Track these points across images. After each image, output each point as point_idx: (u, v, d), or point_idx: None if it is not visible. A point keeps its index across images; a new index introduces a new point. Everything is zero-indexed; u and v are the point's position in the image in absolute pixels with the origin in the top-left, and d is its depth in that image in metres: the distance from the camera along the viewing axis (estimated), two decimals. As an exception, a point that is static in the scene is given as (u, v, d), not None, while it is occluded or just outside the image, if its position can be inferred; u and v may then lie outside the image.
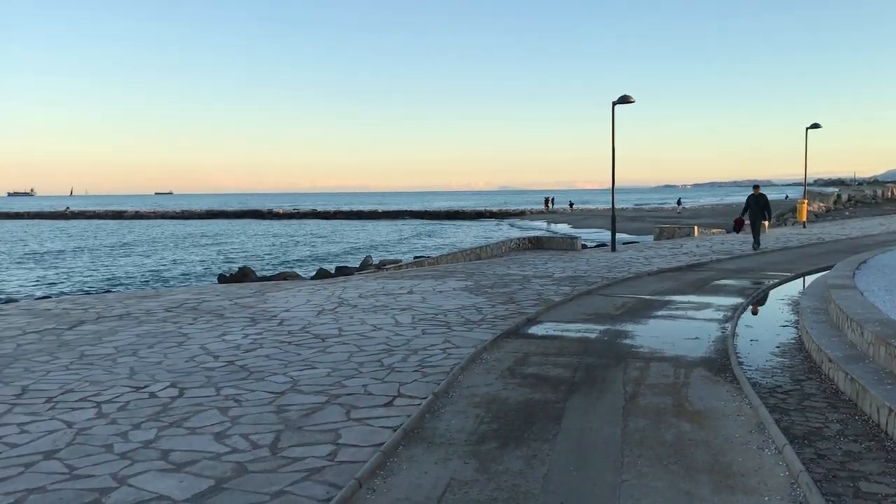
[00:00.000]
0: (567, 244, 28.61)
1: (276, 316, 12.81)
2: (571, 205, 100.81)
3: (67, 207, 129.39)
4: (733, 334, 10.67)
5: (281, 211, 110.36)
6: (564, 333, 11.06)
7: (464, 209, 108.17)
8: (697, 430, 6.57)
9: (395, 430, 6.48)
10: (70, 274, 38.05)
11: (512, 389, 7.99)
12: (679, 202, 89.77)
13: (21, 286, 33.23)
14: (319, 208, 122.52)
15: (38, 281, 35.20)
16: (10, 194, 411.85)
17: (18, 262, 44.51)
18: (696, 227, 34.92)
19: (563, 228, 62.07)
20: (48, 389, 8.21)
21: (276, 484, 5.42)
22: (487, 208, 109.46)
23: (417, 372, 8.61)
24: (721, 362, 9.07)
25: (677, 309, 13.15)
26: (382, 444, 6.14)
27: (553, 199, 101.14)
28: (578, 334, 10.97)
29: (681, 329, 11.28)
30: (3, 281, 35.41)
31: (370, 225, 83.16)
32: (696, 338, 10.57)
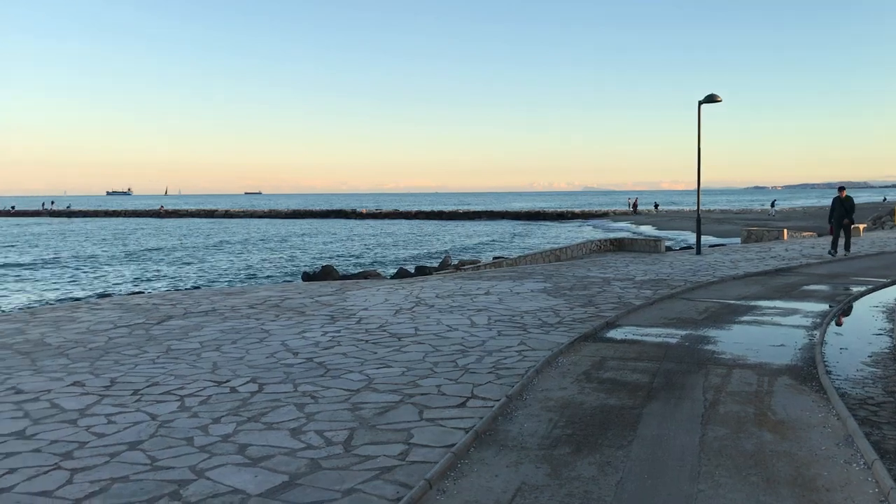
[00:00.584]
0: (650, 246, 28.08)
1: (354, 314, 12.98)
2: (656, 206, 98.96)
3: (162, 206, 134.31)
4: (821, 342, 10.25)
5: (364, 211, 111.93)
6: (644, 338, 10.84)
7: (545, 210, 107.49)
8: (780, 441, 6.33)
9: (467, 432, 6.46)
10: (163, 270, 39.47)
11: (587, 394, 7.87)
12: (773, 204, 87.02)
13: (116, 282, 34.65)
14: (401, 208, 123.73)
15: (131, 277, 36.63)
16: (108, 193, 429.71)
17: (117, 259, 46.43)
18: (784, 231, 33.77)
19: (647, 230, 60.97)
20: (135, 382, 8.52)
21: (348, 482, 5.47)
22: (569, 209, 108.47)
23: (492, 374, 8.58)
24: (807, 371, 8.73)
25: (763, 314, 12.73)
26: (454, 445, 6.13)
27: (633, 201, 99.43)
28: (658, 339, 10.73)
29: (766, 335, 10.91)
30: (101, 276, 36.99)
31: (451, 225, 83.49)
32: (782, 345, 10.20)
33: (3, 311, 20.01)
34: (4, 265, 42.21)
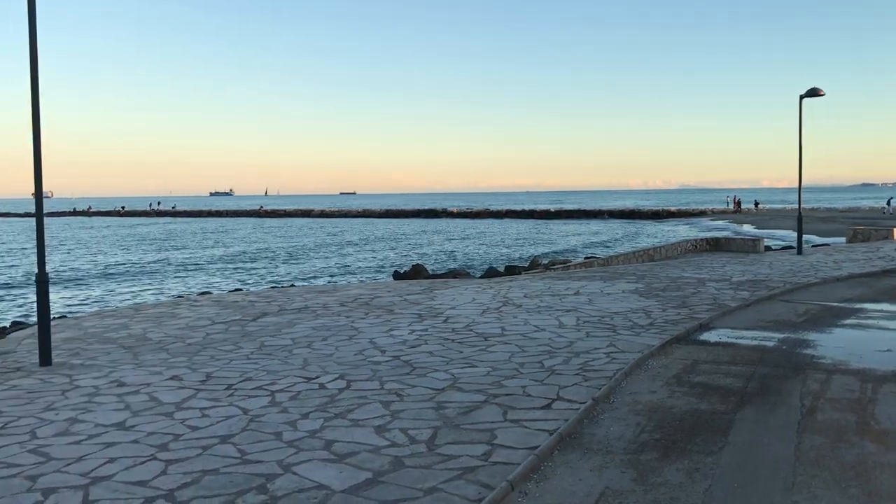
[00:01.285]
0: (749, 246, 27.18)
1: (442, 313, 13.04)
2: (756, 204, 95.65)
3: (261, 206, 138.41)
4: (933, 348, 9.69)
5: (455, 210, 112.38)
6: (739, 341, 10.49)
7: (640, 208, 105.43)
8: (884, 453, 6.01)
9: (551, 434, 6.39)
10: (260, 268, 40.64)
11: (677, 398, 7.66)
12: (889, 203, 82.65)
13: (216, 280, 35.90)
14: (493, 207, 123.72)
15: (230, 275, 37.88)
16: (212, 194, 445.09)
17: (217, 257, 48.09)
18: (894, 230, 32.08)
19: (746, 229, 59.02)
20: (229, 377, 8.80)
21: (430, 480, 5.49)
22: (665, 207, 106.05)
23: (578, 375, 8.46)
24: (916, 379, 8.26)
25: (867, 318, 12.13)
26: (537, 447, 6.07)
27: (735, 198, 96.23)
28: (754, 342, 10.37)
29: (870, 339, 10.39)
30: (202, 274, 38.39)
31: (542, 224, 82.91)
32: (889, 350, 9.70)
33: (111, 308, 20.99)
34: (115, 263, 44.33)
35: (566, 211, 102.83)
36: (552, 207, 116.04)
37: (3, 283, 34.73)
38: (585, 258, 30.49)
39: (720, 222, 72.05)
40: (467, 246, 54.50)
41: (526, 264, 30.81)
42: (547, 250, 46.41)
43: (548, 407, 7.28)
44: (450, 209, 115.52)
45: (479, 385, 8.13)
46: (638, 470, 5.71)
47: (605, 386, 7.90)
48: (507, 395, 7.73)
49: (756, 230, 56.53)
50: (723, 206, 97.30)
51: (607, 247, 49.76)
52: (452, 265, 37.64)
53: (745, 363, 9.11)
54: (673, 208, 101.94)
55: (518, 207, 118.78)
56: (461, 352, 9.86)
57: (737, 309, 13.11)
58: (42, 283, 9.90)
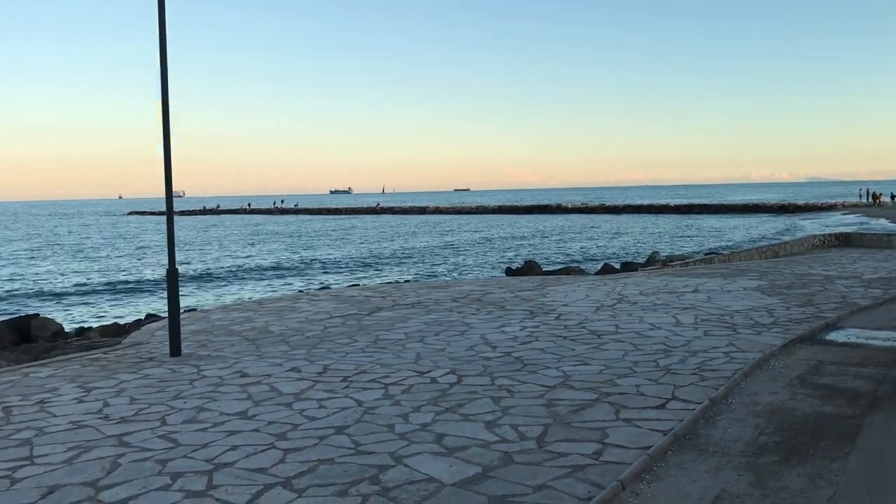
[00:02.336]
0: (882, 241, 25.69)
1: (554, 310, 12.94)
2: (893, 197, 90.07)
3: (378, 203, 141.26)
4: None
5: (569, 206, 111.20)
6: (869, 341, 9.93)
7: (764, 202, 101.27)
8: None
9: (665, 434, 6.25)
10: (376, 263, 41.50)
11: (800, 400, 7.33)
12: None
13: (335, 274, 36.91)
14: (609, 202, 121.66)
15: (348, 270, 38.86)
16: (331, 192, 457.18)
17: (336, 252, 49.44)
18: None
19: (881, 224, 55.70)
20: (345, 369, 9.04)
21: (540, 477, 5.47)
22: (791, 201, 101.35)
23: (695, 375, 8.22)
24: None
25: None
26: (650, 447, 5.95)
27: (869, 191, 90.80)
28: (887, 343, 9.79)
29: None
30: (322, 269, 39.55)
31: (660, 219, 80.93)
32: None
33: (236, 301, 21.95)
34: (242, 259, 46.31)
35: (686, 206, 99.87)
36: (671, 202, 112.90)
37: (145, 278, 36.88)
38: (705, 254, 29.57)
39: (852, 216, 68.26)
40: (582, 242, 53.86)
41: (643, 261, 30.17)
42: (665, 246, 45.26)
43: (662, 407, 7.12)
44: (564, 204, 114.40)
45: (591, 383, 8.04)
46: (756, 473, 5.51)
47: (723, 386, 7.65)
48: (619, 393, 7.61)
49: (892, 224, 53.25)
50: (855, 199, 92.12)
51: (728, 242, 48.07)
52: (566, 261, 37.29)
53: (876, 365, 8.62)
54: (800, 202, 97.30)
55: (635, 202, 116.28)
56: (573, 349, 9.77)
57: (868, 308, 12.41)
58: (172, 277, 10.46)
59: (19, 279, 37.80)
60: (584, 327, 11.26)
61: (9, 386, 8.80)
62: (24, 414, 7.57)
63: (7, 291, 32.97)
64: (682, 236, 56.43)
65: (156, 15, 10.25)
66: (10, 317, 19.14)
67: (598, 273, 24.59)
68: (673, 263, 23.07)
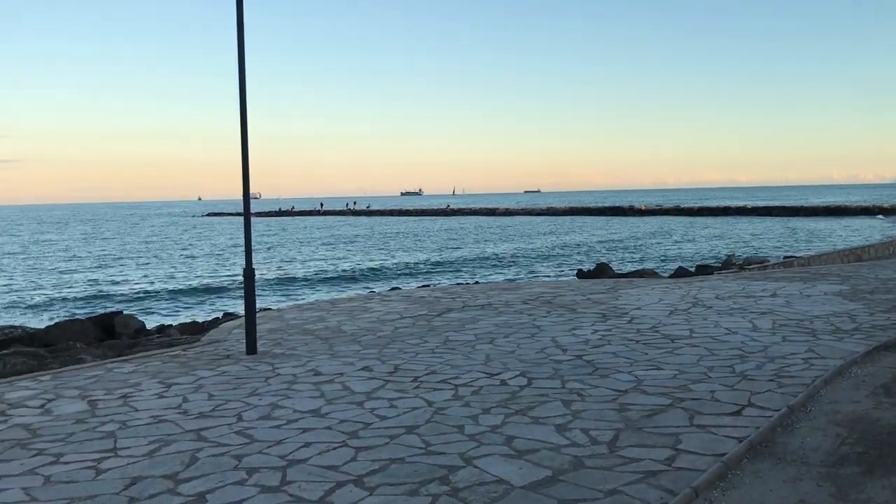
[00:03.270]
0: (975, 246, 24.52)
1: (626, 313, 12.77)
2: None
3: (448, 205, 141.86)
4: None
5: (643, 207, 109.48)
6: (960, 350, 9.48)
7: (846, 204, 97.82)
8: None
9: (740, 442, 6.10)
10: (445, 264, 41.68)
11: (885, 409, 7.06)
12: None
13: (405, 275, 37.22)
14: (683, 204, 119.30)
15: (418, 270, 39.12)
16: (402, 194, 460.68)
17: (404, 253, 49.87)
18: None
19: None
20: (416, 370, 9.11)
21: (611, 482, 5.42)
22: (876, 203, 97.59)
23: (772, 381, 8.00)
24: None
25: None
26: (725, 454, 5.82)
27: None
28: (979, 352, 9.34)
29: None
30: (392, 270, 39.93)
31: (737, 222, 78.99)
32: None
33: (310, 301, 22.33)
34: (315, 259, 47.12)
35: (764, 207, 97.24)
36: (748, 204, 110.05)
37: (222, 278, 37.88)
38: (784, 257, 28.76)
39: (942, 219, 65.32)
40: (655, 244, 53.00)
41: (718, 263, 29.52)
42: (741, 249, 44.17)
43: (738, 413, 6.96)
44: (637, 206, 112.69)
45: (664, 388, 7.91)
46: (837, 484, 5.33)
47: (802, 394, 7.43)
48: (693, 399, 7.46)
49: None
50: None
51: (808, 244, 46.62)
52: (639, 264, 36.76)
53: (968, 375, 8.23)
54: (886, 204, 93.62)
55: (711, 204, 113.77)
56: (646, 353, 9.63)
57: (959, 315, 11.86)
58: (249, 277, 10.72)
59: (104, 277, 39.27)
60: (657, 331, 11.08)
61: (94, 380, 9.17)
62: (109, 407, 7.87)
63: (93, 289, 34.31)
64: (759, 239, 54.97)
65: (233, 19, 10.53)
66: (95, 314, 19.92)
67: (671, 276, 24.17)
68: (750, 267, 22.50)
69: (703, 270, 25.91)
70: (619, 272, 28.03)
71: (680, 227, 71.81)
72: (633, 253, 46.38)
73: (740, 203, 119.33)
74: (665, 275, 26.24)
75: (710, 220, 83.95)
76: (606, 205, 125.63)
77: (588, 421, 6.88)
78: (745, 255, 35.88)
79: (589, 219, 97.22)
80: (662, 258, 42.32)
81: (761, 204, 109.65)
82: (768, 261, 26.79)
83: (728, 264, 27.10)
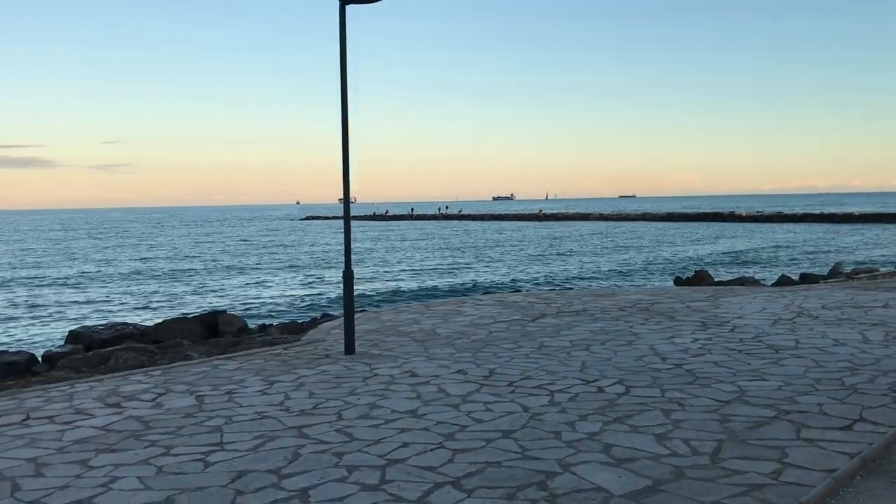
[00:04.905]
0: None
1: (728, 322, 12.42)
2: None
3: (541, 210, 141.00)
4: None
5: (744, 213, 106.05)
6: None
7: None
8: None
9: (852, 458, 5.85)
10: (539, 269, 41.45)
11: None
12: None
13: (496, 279, 37.22)
14: (785, 210, 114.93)
15: (509, 275, 39.05)
16: (494, 198, 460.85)
17: (496, 258, 49.85)
18: None
19: None
20: (511, 374, 9.11)
21: (713, 494, 5.28)
22: None
23: (886, 396, 7.64)
24: None
25: None
26: (835, 470, 5.59)
27: None
28: None
29: None
30: (483, 274, 40.00)
31: (844, 228, 75.58)
32: None
33: (405, 303, 22.62)
34: (409, 261, 47.69)
35: (873, 214, 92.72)
36: (857, 211, 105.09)
37: (320, 279, 38.80)
38: (896, 267, 27.35)
39: None
40: (756, 251, 51.29)
41: (824, 272, 28.36)
42: (848, 257, 42.27)
43: (848, 428, 6.67)
44: (738, 212, 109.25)
45: (768, 399, 7.65)
46: (960, 507, 5.05)
47: (920, 410, 7.06)
48: (800, 412, 7.19)
49: None
50: None
51: (924, 255, 44.20)
52: (739, 272, 35.65)
53: None
54: None
55: (816, 210, 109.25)
56: (749, 363, 9.33)
57: None
58: (348, 279, 10.95)
59: (209, 278, 40.80)
60: (760, 341, 10.73)
61: (201, 376, 9.54)
62: (215, 403, 8.18)
63: (198, 289, 35.70)
64: (868, 247, 52.46)
65: (334, 27, 10.78)
66: (200, 312, 20.72)
67: (774, 284, 23.37)
68: (859, 276, 21.54)
69: (808, 279, 24.94)
70: (719, 280, 27.28)
71: (782, 234, 69.24)
72: (732, 260, 45.01)
73: (848, 209, 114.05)
74: (767, 283, 25.39)
75: (814, 227, 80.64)
76: (705, 211, 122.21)
77: (689, 431, 6.72)
78: (852, 264, 34.33)
79: (686, 225, 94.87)
80: (763, 265, 40.93)
81: (870, 210, 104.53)
82: (878, 270, 25.57)
83: (835, 273, 26.00)
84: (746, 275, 31.17)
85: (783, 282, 24.41)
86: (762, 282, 26.21)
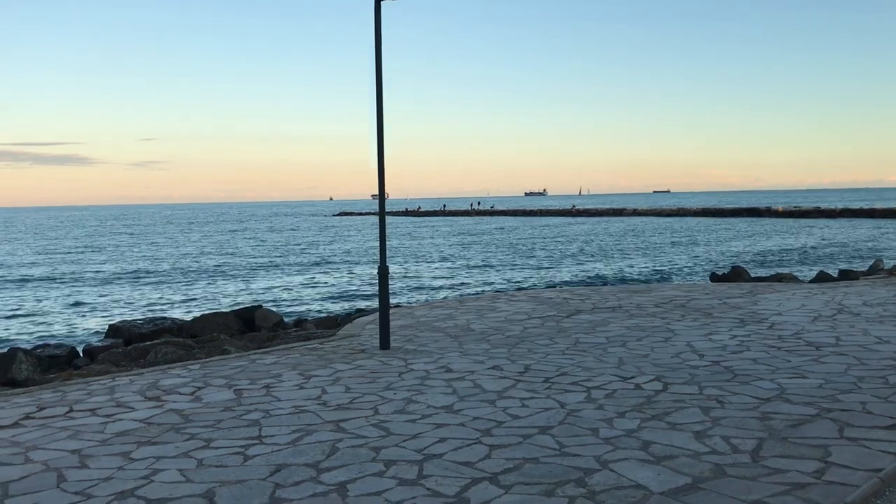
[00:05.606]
0: None
1: (766, 319, 12.25)
2: None
3: (574, 205, 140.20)
4: None
5: (780, 209, 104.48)
6: None
7: None
8: None
9: (897, 457, 5.74)
10: (570, 265, 41.24)
11: None
12: None
13: (528, 276, 37.11)
14: (823, 206, 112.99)
15: (540, 271, 38.92)
16: (526, 194, 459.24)
17: (527, 254, 49.69)
18: None
19: None
20: (546, 370, 9.08)
21: (755, 493, 5.22)
22: None
23: (932, 395, 7.49)
24: None
25: None
26: (881, 470, 5.50)
27: None
28: None
29: None
30: (515, 270, 39.90)
31: (882, 224, 74.13)
32: None
33: (438, 299, 22.65)
34: (440, 257, 47.73)
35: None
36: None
37: (352, 274, 39.01)
38: (939, 263, 26.77)
39: None
40: (793, 247, 50.53)
41: (865, 268, 27.84)
42: (889, 254, 41.46)
43: (893, 427, 6.55)
44: (774, 207, 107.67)
45: (809, 397, 7.54)
46: None
47: (967, 409, 6.91)
48: (842, 410, 7.08)
49: None
50: None
51: (967, 251, 43.23)
52: (776, 268, 35.15)
53: None
54: None
55: (856, 205, 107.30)
56: (789, 360, 9.21)
57: None
58: (383, 275, 10.99)
59: (243, 273, 41.20)
60: (800, 338, 10.57)
61: (239, 370, 9.64)
62: (253, 397, 8.26)
63: (233, 283, 36.07)
64: (910, 243, 51.40)
65: (369, 25, 10.81)
66: (236, 308, 20.93)
67: (812, 281, 22.98)
68: (901, 272, 21.09)
69: (847, 275, 24.47)
70: (756, 276, 26.90)
71: (820, 229, 68.14)
72: (769, 256, 44.37)
73: (886, 204, 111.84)
74: (805, 279, 25.00)
75: (852, 222, 79.25)
76: (741, 206, 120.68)
77: (728, 429, 6.65)
78: (894, 260, 33.67)
79: (722, 220, 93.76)
80: (800, 261, 40.31)
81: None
82: (922, 266, 25.03)
83: (875, 269, 25.51)
84: (783, 271, 30.73)
85: (822, 278, 23.98)
86: (800, 278, 25.82)
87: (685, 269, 38.10)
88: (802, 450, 6.05)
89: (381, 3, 10.77)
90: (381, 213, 11.11)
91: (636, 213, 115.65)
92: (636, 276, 35.62)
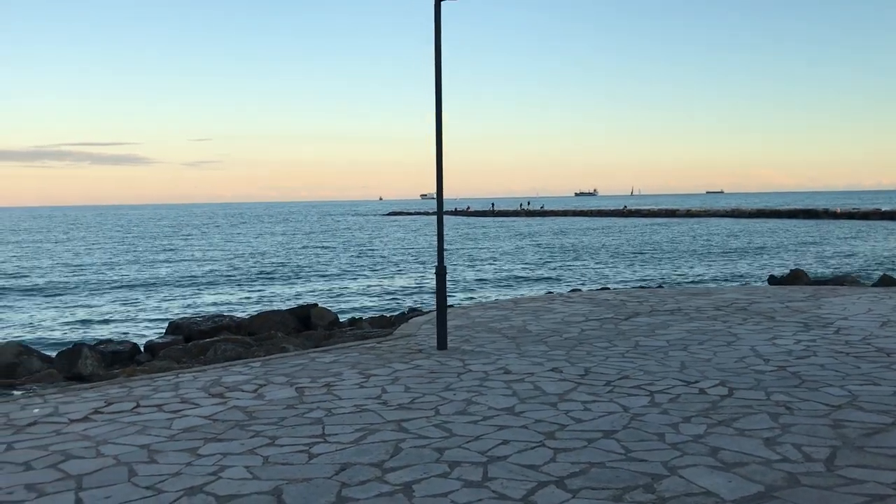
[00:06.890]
0: None
1: (831, 323, 11.94)
2: None
3: (625, 206, 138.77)
4: None
5: (839, 210, 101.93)
6: None
7: None
8: None
9: (981, 470, 5.52)
10: (626, 267, 40.79)
11: None
12: None
13: (584, 277, 36.82)
14: (884, 207, 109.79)
15: (597, 272, 38.57)
16: (576, 194, 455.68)
17: (584, 255, 49.30)
18: None
19: None
20: (607, 373, 8.97)
21: (832, 503, 5.07)
22: None
23: None
24: None
25: None
26: (965, 483, 5.29)
27: None
28: None
29: None
30: (571, 271, 39.61)
31: (950, 227, 71.69)
32: None
33: (493, 300, 22.59)
34: (497, 255, 47.67)
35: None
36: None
37: (403, 273, 39.20)
38: None
39: None
40: (853, 250, 49.23)
41: (930, 272, 26.97)
42: (956, 257, 40.13)
43: (976, 438, 6.31)
44: (832, 209, 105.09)
45: (883, 405, 7.31)
46: None
47: None
48: (919, 419, 6.85)
49: None
50: None
51: None
52: (837, 270, 34.28)
53: None
54: None
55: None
56: (858, 367, 8.95)
57: None
58: (441, 274, 11.00)
59: (297, 271, 41.69)
60: (869, 344, 10.27)
61: (299, 368, 9.73)
62: (315, 395, 8.32)
63: (286, 281, 36.54)
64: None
65: (425, 28, 10.81)
66: (290, 306, 21.17)
67: (876, 284, 22.35)
68: (971, 277, 20.38)
69: (914, 279, 23.74)
70: (816, 279, 26.28)
71: (879, 232, 66.24)
72: (827, 258, 43.32)
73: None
74: (868, 283, 24.32)
75: (917, 225, 76.78)
76: (797, 207, 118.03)
77: (799, 436, 6.48)
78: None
79: (779, 221, 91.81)
80: (862, 265, 39.24)
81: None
82: None
83: (943, 273, 24.69)
84: (843, 273, 29.95)
85: (886, 282, 23.32)
86: (863, 281, 25.14)
87: (743, 272, 37.42)
88: (879, 459, 5.86)
89: (442, 2, 10.76)
90: (440, 214, 11.12)
91: (690, 213, 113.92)
92: (693, 278, 35.09)
